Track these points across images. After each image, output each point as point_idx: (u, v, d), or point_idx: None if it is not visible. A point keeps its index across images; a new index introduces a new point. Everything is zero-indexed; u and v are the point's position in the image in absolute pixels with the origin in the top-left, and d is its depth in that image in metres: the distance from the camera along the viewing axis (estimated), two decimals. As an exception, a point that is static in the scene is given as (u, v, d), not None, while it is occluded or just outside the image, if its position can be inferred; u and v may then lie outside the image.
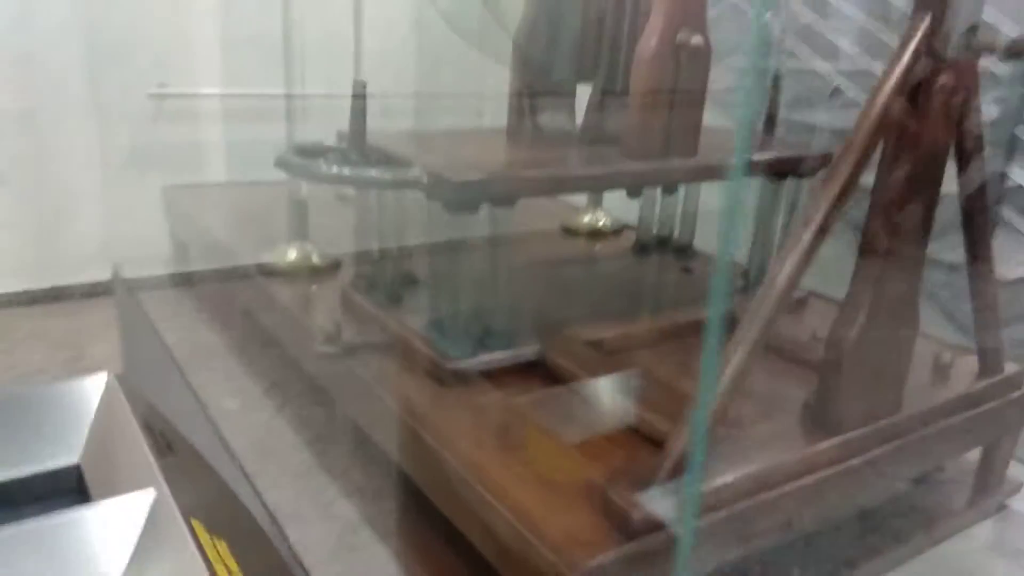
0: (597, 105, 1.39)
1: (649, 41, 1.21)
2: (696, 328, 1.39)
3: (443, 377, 1.15)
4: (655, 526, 0.85)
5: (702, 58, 1.24)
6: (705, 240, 1.79)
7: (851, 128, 0.96)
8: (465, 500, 0.94)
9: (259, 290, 1.58)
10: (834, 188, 0.89)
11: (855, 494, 1.10)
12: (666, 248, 1.77)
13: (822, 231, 0.90)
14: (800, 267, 0.89)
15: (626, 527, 0.84)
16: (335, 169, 1.11)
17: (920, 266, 1.05)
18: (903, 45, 0.90)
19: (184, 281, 2.09)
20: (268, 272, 1.60)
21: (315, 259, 1.61)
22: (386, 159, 1.18)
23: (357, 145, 1.18)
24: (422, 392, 1.12)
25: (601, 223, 2.01)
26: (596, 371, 1.19)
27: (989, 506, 1.34)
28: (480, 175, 1.09)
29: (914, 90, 0.92)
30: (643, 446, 1.03)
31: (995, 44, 0.85)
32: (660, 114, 1.24)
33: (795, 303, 1.54)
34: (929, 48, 0.89)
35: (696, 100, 1.27)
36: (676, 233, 1.77)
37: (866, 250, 1.00)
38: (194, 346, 1.76)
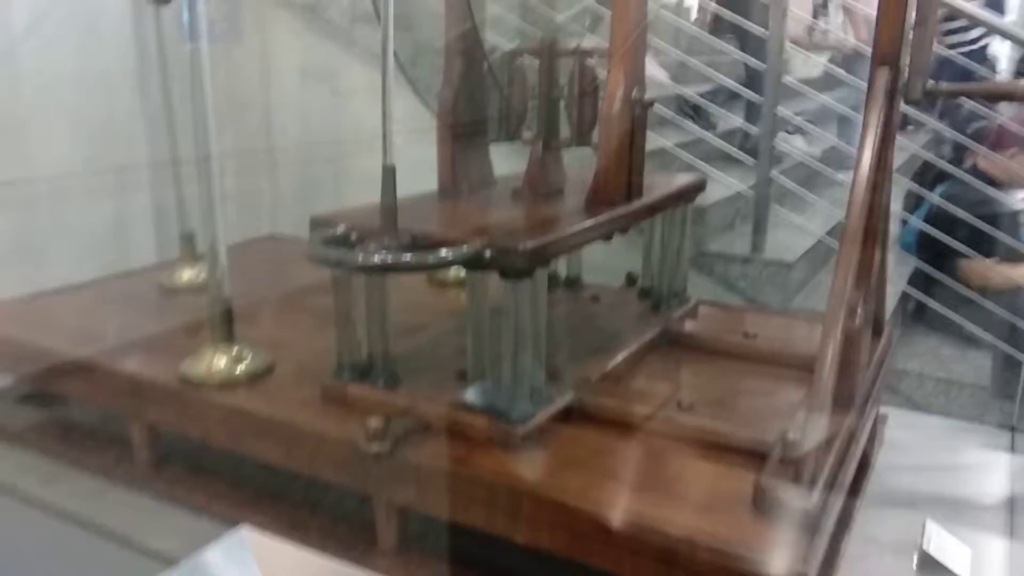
0: (539, 160, 1.48)
1: (614, 101, 1.34)
2: (655, 344, 1.55)
3: (512, 442, 1.16)
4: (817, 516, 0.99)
5: (646, 111, 1.40)
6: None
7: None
8: (638, 550, 0.98)
9: (197, 410, 1.39)
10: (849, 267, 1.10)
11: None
12: (557, 284, 1.91)
13: (852, 311, 1.12)
14: (842, 346, 1.08)
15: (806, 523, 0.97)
16: (392, 257, 1.07)
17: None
18: (870, 105, 1.15)
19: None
20: (191, 384, 1.42)
21: (245, 365, 1.45)
22: (412, 239, 1.15)
23: (390, 228, 1.13)
24: (510, 463, 1.13)
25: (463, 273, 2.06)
26: (628, 402, 1.29)
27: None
28: (541, 240, 1.13)
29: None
30: (737, 454, 1.15)
31: (942, 89, 1.14)
32: (624, 163, 1.38)
33: (691, 309, 1.78)
34: (893, 100, 1.15)
35: (642, 147, 1.43)
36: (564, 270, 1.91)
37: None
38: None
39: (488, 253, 1.10)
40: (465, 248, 1.10)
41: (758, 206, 2.47)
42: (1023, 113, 2.81)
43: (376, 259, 1.07)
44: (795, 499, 1.00)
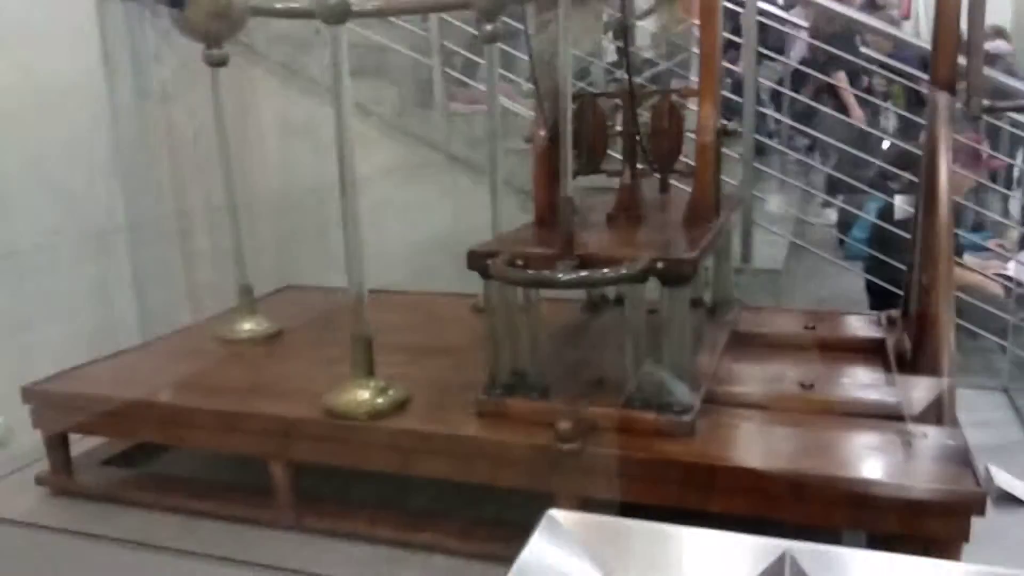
0: (629, 188, 1.67)
1: (706, 132, 1.55)
2: (729, 344, 1.75)
3: (684, 430, 1.33)
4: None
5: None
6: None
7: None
8: (833, 501, 1.17)
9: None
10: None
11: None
12: (607, 300, 2.09)
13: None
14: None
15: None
16: (581, 275, 1.22)
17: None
18: (936, 123, 1.41)
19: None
20: (340, 417, 1.50)
21: (388, 396, 1.54)
22: (580, 261, 1.31)
23: (568, 252, 1.29)
24: (697, 446, 1.29)
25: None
26: (757, 387, 1.48)
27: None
28: (697, 251, 1.32)
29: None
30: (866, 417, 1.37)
31: (999, 106, 1.42)
32: (714, 184, 1.59)
33: (739, 312, 2.00)
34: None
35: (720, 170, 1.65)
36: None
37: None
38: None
39: (659, 265, 1.28)
40: (639, 263, 1.27)
41: (744, 219, 2.74)
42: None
43: (574, 276, 1.22)
44: (947, 439, 1.22)
